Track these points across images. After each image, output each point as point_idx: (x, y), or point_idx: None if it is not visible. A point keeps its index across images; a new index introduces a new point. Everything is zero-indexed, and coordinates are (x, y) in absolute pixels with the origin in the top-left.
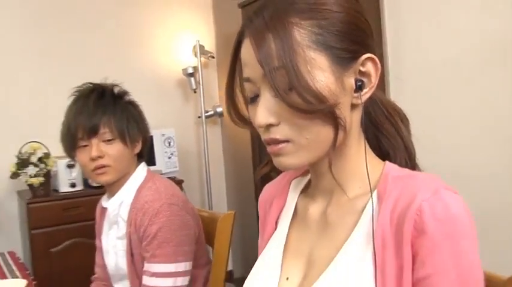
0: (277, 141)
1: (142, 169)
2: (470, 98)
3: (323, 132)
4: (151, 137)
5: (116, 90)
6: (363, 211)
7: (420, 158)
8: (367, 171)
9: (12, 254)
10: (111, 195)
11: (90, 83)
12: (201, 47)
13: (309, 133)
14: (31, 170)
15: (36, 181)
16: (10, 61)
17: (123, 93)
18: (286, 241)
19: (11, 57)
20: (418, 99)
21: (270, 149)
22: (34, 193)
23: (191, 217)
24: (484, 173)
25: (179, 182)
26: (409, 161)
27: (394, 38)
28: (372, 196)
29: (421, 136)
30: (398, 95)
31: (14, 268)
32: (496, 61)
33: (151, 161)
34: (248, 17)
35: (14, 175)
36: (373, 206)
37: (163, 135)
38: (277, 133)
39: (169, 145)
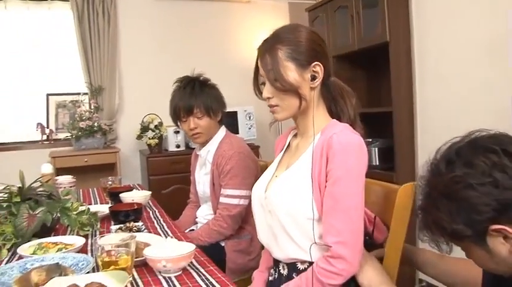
0: (272, 106)
1: (222, 130)
2: (477, 84)
3: (293, 102)
4: (236, 112)
5: (202, 78)
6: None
7: (433, 134)
8: (313, 123)
9: (141, 186)
10: (202, 146)
11: (186, 76)
12: None
13: (286, 102)
14: (149, 134)
15: (153, 142)
16: (141, 56)
17: (206, 81)
18: (280, 159)
19: (142, 55)
20: (438, 86)
21: (270, 110)
22: (151, 150)
23: (252, 162)
24: None
25: (256, 147)
26: (350, 121)
27: (420, 37)
28: (314, 134)
29: (438, 116)
30: (422, 82)
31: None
32: (500, 56)
33: (235, 131)
34: (259, 45)
35: (138, 137)
36: (314, 140)
37: (245, 111)
38: (272, 102)
39: (250, 118)
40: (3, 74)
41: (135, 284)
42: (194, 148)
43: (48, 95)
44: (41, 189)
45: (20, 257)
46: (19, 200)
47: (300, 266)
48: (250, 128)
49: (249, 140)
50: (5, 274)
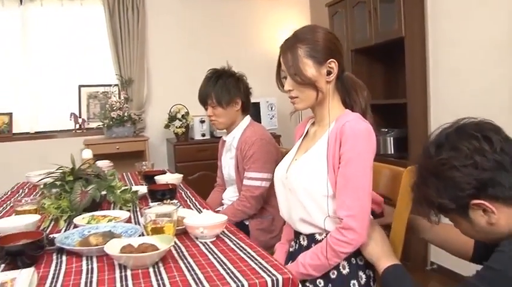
0: (292, 98)
1: (247, 119)
2: (490, 79)
3: (311, 94)
4: (259, 102)
5: (221, 70)
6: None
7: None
8: (329, 112)
9: (170, 171)
10: (228, 133)
11: (211, 69)
12: None
13: (305, 94)
14: (177, 123)
15: (179, 131)
16: (168, 49)
17: (224, 73)
18: (300, 144)
19: (169, 48)
20: (451, 80)
21: (291, 101)
22: (178, 139)
23: (273, 148)
24: None
25: (277, 137)
26: (361, 111)
27: (434, 32)
28: (330, 122)
29: (451, 108)
30: (435, 76)
31: None
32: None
33: (258, 121)
34: (282, 44)
35: (166, 126)
36: (329, 127)
37: (267, 102)
38: (293, 94)
39: (271, 109)
40: (39, 67)
41: (177, 248)
42: (218, 137)
43: (80, 86)
44: (89, 170)
45: (75, 227)
46: (72, 179)
47: (318, 237)
48: (272, 118)
49: (270, 129)
50: (68, 238)
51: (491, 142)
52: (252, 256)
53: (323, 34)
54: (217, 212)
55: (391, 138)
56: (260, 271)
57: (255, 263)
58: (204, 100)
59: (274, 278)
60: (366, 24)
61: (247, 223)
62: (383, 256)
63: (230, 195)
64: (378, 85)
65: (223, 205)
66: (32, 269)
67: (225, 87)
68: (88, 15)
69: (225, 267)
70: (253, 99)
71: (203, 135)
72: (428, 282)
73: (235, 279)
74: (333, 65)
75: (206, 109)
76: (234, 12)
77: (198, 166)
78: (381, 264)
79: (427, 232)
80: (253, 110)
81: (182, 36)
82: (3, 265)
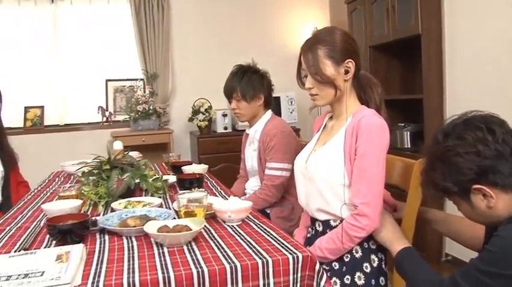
0: (313, 95)
1: (268, 113)
2: (505, 76)
3: (330, 92)
4: (279, 97)
5: (247, 66)
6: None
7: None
8: (346, 108)
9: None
10: (251, 126)
11: (237, 65)
12: None
13: (325, 92)
14: (200, 117)
15: (203, 124)
16: (192, 45)
17: (249, 69)
18: (318, 137)
19: (193, 45)
20: (467, 76)
21: (311, 98)
22: (201, 131)
23: (293, 140)
24: None
25: (297, 130)
26: (376, 107)
27: (450, 29)
28: (346, 117)
29: (466, 104)
30: (451, 72)
31: None
32: None
33: (278, 115)
34: (302, 45)
35: (190, 119)
36: (346, 122)
37: (287, 96)
38: (313, 91)
39: (291, 103)
40: (69, 63)
41: (207, 230)
42: (239, 130)
43: (107, 80)
44: (124, 160)
45: (113, 211)
46: (108, 167)
47: (333, 223)
48: (292, 112)
49: (290, 123)
50: (108, 220)
51: (494, 133)
52: (274, 237)
53: (341, 36)
54: None
55: (408, 132)
56: (282, 249)
57: (278, 243)
58: (229, 93)
59: (295, 256)
60: (384, 21)
61: (268, 211)
62: (395, 240)
63: (253, 185)
64: (395, 81)
65: (245, 194)
66: (82, 245)
67: (250, 83)
68: (115, 12)
69: (251, 246)
70: (274, 94)
71: (225, 128)
72: (443, 273)
73: (260, 256)
74: (350, 64)
75: (230, 102)
76: (256, 8)
77: (220, 157)
78: (394, 247)
79: (439, 224)
80: (274, 105)
81: (205, 33)
82: (54, 242)
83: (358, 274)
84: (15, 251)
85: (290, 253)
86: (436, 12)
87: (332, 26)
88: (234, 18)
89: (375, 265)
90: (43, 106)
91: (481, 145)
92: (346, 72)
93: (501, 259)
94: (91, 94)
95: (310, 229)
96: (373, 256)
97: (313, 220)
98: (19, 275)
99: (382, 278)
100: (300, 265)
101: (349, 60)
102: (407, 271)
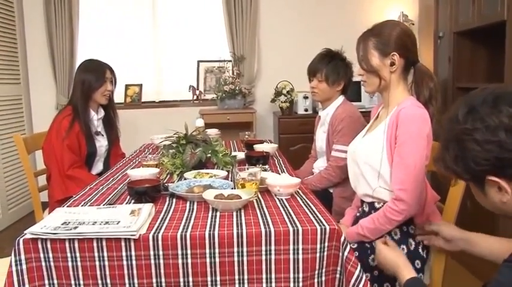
0: (363, 81)
1: (341, 98)
2: None
3: (375, 81)
4: (360, 82)
5: (335, 52)
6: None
7: None
8: (389, 98)
9: (271, 141)
10: (323, 109)
11: (326, 48)
12: (405, 15)
13: (370, 80)
14: (282, 98)
15: (284, 105)
16: (278, 30)
17: (337, 55)
18: (371, 125)
19: (278, 29)
20: None
21: (362, 83)
22: (283, 112)
23: (360, 125)
24: None
25: None
26: (424, 100)
27: None
28: (389, 107)
29: None
30: None
31: None
32: None
33: (359, 99)
34: (359, 37)
35: (272, 101)
36: (389, 112)
37: None
38: (363, 78)
39: None
40: (164, 44)
41: (259, 201)
42: None
43: (198, 61)
44: (199, 136)
45: (184, 179)
46: (185, 142)
47: (377, 205)
48: (371, 97)
49: (370, 107)
50: (178, 187)
51: None
52: (313, 210)
53: (394, 31)
54: (306, 179)
55: None
56: (314, 221)
57: (313, 216)
58: (313, 72)
59: (323, 227)
60: (469, 5)
61: (331, 191)
62: (402, 266)
63: (320, 165)
64: (480, 68)
65: (313, 173)
66: (151, 204)
67: (335, 68)
68: None
69: (289, 215)
70: (355, 79)
71: (306, 110)
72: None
73: (293, 224)
74: (396, 57)
75: (311, 81)
76: None
77: (300, 138)
78: (401, 273)
79: (460, 242)
80: (355, 88)
81: (291, 17)
82: (133, 201)
83: None
84: (102, 205)
85: (320, 225)
86: None
87: (396, 20)
88: (320, 2)
89: (411, 248)
90: (141, 84)
91: (505, 134)
92: (392, 64)
93: None
94: (184, 74)
95: (360, 209)
96: (410, 240)
97: (362, 202)
98: (102, 221)
99: (417, 261)
100: (327, 235)
101: (395, 53)
102: None
